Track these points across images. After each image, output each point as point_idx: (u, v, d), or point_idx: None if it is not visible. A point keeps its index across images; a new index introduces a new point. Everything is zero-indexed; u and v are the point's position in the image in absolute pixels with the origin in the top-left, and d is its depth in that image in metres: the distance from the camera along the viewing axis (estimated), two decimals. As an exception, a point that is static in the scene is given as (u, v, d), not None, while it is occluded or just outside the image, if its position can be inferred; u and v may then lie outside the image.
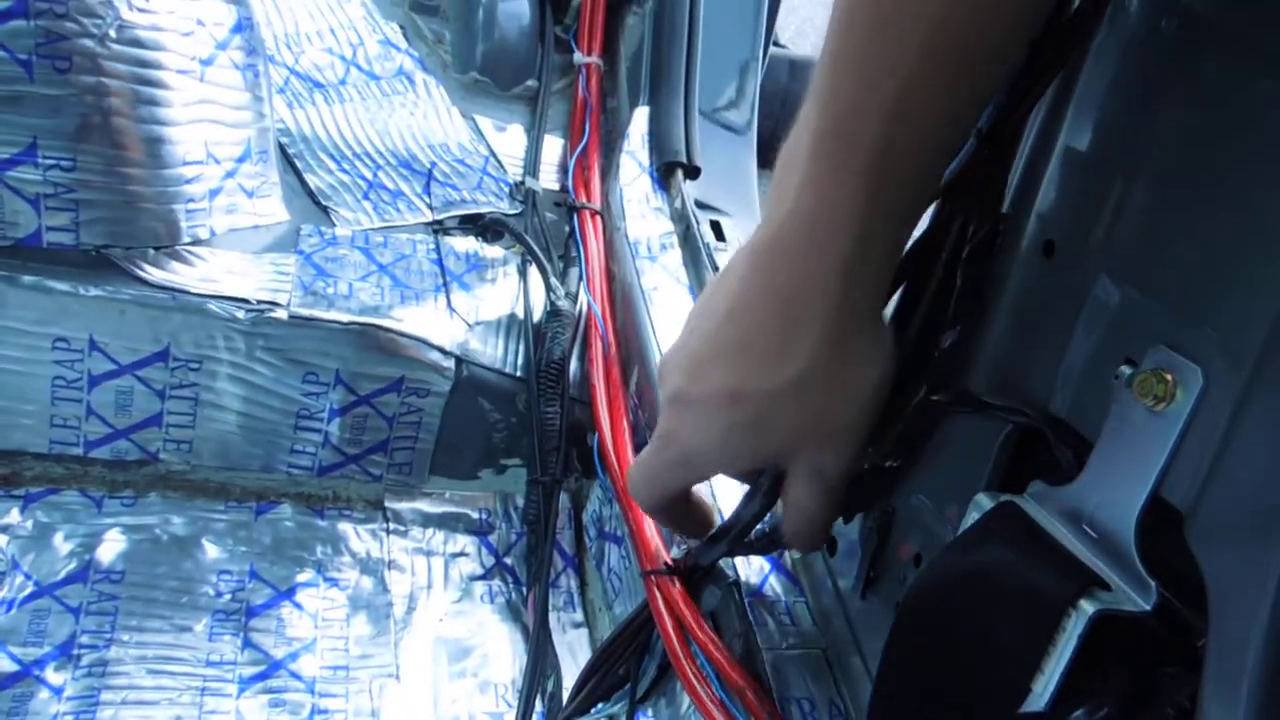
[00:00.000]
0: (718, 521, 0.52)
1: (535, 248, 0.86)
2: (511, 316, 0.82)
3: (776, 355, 0.33)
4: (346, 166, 0.90)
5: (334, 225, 0.84)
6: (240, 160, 0.78)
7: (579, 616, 0.74)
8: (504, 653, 0.71)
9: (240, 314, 0.73)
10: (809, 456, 0.37)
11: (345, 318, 0.75)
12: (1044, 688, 0.33)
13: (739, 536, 0.52)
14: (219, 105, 0.75)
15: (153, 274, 0.72)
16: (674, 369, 0.37)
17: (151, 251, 0.73)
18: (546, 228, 0.90)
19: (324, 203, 0.86)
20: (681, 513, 0.46)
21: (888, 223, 0.33)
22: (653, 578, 0.55)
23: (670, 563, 0.56)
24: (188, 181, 0.74)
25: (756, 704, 0.48)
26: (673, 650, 0.53)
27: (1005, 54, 0.33)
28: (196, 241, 0.76)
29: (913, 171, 0.33)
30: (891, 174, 0.32)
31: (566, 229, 0.91)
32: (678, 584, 0.54)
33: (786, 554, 0.58)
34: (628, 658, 0.59)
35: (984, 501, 0.39)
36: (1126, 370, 0.36)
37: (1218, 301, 0.33)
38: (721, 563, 0.57)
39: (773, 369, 0.33)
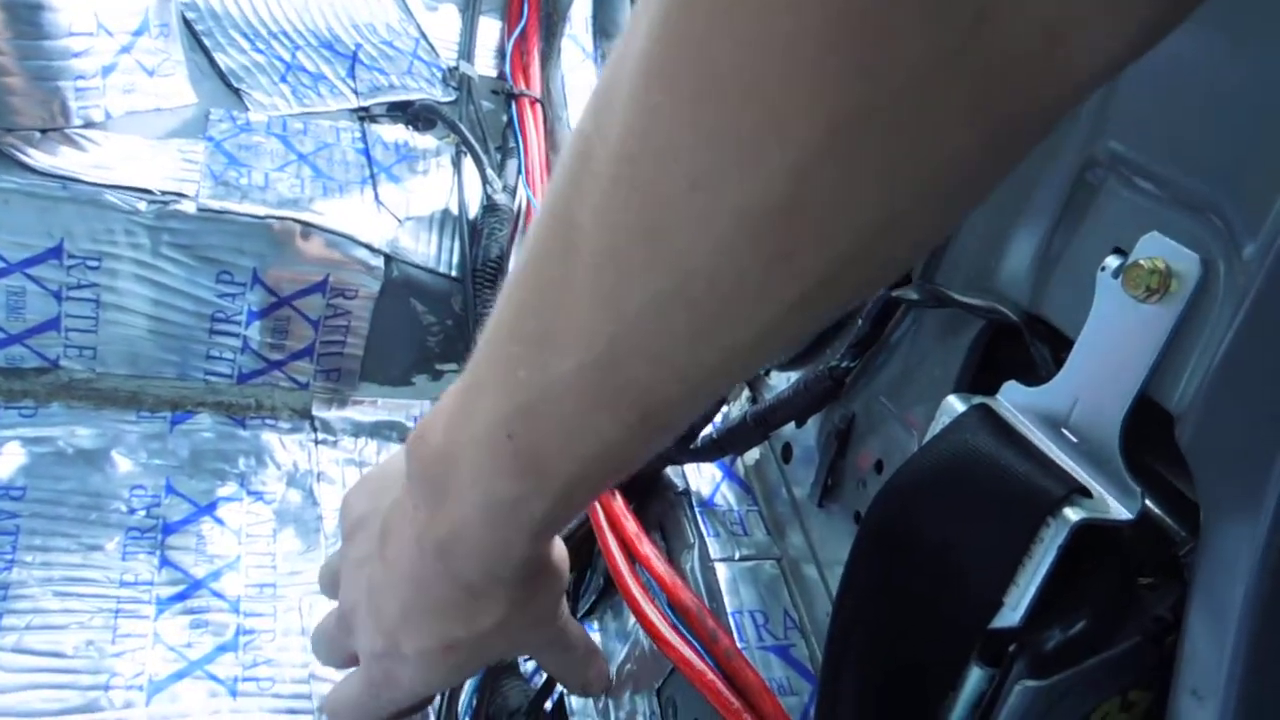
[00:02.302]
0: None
1: (470, 138, 0.80)
2: (445, 212, 0.77)
3: (474, 616, 0.36)
4: (261, 46, 0.82)
5: (248, 110, 0.77)
6: (137, 34, 0.70)
7: (520, 527, 0.71)
8: (442, 565, 0.68)
9: (142, 205, 0.67)
10: (521, 650, 0.45)
11: (261, 210, 0.69)
12: (1018, 601, 0.31)
13: (684, 442, 0.49)
14: (108, -31, 0.67)
15: (40, 160, 0.65)
16: (369, 632, 0.39)
17: (38, 135, 0.66)
18: (483, 116, 0.84)
19: (236, 85, 0.78)
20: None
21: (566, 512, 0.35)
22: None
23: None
24: (75, 55, 0.66)
25: (700, 621, 0.46)
26: (615, 567, 0.50)
27: None
28: (89, 124, 0.68)
29: (583, 503, 0.35)
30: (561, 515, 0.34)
31: (504, 118, 0.85)
32: (619, 498, 0.51)
33: (739, 461, 0.55)
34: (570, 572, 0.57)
35: (955, 404, 0.36)
36: (1114, 260, 0.33)
37: (1223, 183, 0.30)
38: (670, 471, 0.54)
39: (473, 623, 0.37)
